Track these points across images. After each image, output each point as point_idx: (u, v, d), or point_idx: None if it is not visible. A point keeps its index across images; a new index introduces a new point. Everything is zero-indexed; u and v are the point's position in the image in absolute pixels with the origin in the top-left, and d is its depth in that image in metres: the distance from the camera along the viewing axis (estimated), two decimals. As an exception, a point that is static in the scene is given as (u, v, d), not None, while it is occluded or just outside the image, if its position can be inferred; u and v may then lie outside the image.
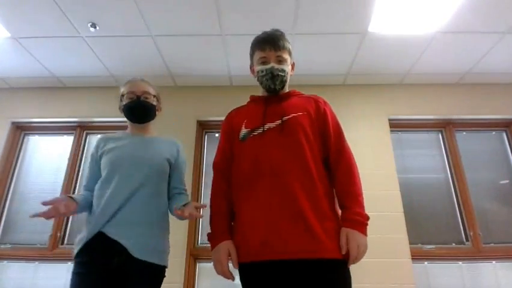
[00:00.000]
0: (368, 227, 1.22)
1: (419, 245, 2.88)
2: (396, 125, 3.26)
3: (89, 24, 2.59)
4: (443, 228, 2.98)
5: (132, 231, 1.41)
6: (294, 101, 1.41)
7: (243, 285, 1.26)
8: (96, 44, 2.84)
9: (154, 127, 1.75)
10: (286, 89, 1.48)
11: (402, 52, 2.93)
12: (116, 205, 1.43)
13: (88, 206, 1.51)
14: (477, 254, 2.84)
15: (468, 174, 3.11)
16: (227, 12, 2.49)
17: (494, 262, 2.83)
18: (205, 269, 2.92)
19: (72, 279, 1.38)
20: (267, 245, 1.17)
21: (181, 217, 1.45)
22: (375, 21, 2.57)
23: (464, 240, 2.93)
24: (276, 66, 1.40)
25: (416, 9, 2.44)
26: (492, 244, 2.89)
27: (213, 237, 1.38)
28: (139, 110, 1.64)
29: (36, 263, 2.89)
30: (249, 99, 1.56)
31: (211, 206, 1.44)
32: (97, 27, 2.62)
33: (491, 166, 3.19)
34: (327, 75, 3.25)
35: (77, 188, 3.16)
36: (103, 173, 1.52)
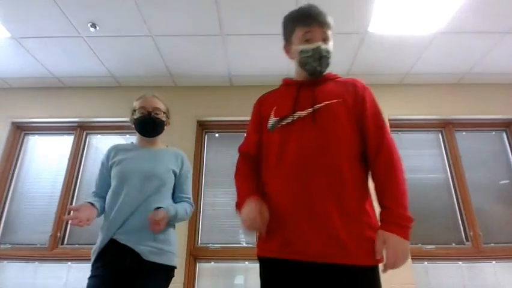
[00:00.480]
0: (410, 230, 1.07)
1: (419, 245, 2.88)
2: (396, 125, 3.26)
3: (89, 24, 2.59)
4: (443, 228, 2.98)
5: (140, 237, 1.54)
6: (329, 86, 1.24)
7: (261, 280, 1.17)
8: (96, 44, 2.84)
9: (162, 140, 1.87)
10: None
11: (402, 52, 2.93)
12: (125, 215, 1.58)
13: (102, 212, 1.67)
14: (477, 254, 2.84)
15: (468, 174, 3.11)
16: (227, 12, 2.49)
17: (494, 262, 2.83)
18: (205, 269, 2.92)
19: (88, 284, 1.51)
20: (288, 245, 1.09)
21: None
22: (375, 21, 2.57)
23: (464, 240, 2.93)
24: (324, 46, 1.23)
25: (416, 10, 2.44)
26: (492, 244, 2.89)
27: (241, 198, 1.21)
28: (149, 126, 1.76)
29: (36, 263, 2.89)
30: (281, 82, 1.39)
31: (235, 184, 1.30)
32: (97, 27, 2.62)
33: (491, 166, 3.19)
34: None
35: (77, 187, 3.16)
36: (113, 184, 1.67)
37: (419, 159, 3.23)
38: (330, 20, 1.27)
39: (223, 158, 3.26)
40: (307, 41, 1.24)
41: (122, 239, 1.55)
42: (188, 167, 1.85)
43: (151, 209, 1.58)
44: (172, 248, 1.65)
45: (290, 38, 1.32)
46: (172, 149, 1.85)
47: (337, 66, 3.46)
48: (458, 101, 3.28)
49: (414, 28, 2.64)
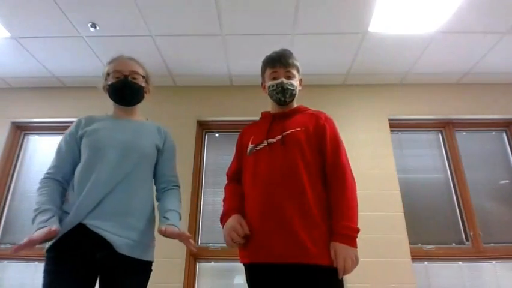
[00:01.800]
0: (357, 239, 1.24)
1: (419, 245, 2.88)
2: (396, 125, 3.26)
3: (89, 24, 2.59)
4: (443, 228, 2.98)
5: (117, 224, 1.29)
6: (297, 118, 1.49)
7: (247, 284, 1.37)
8: (96, 44, 2.84)
9: (141, 111, 1.64)
10: (294, 104, 1.57)
11: (402, 52, 2.93)
12: (100, 194, 1.31)
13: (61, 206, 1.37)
14: (477, 254, 2.84)
15: (468, 174, 3.11)
16: (227, 12, 2.49)
17: (494, 262, 2.83)
18: (205, 269, 2.92)
19: (45, 278, 1.23)
20: (259, 249, 1.28)
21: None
22: (375, 21, 2.57)
23: (464, 240, 2.93)
24: (286, 80, 1.50)
25: (416, 9, 2.44)
26: (492, 244, 2.89)
27: (224, 215, 1.44)
28: (126, 91, 1.51)
29: (36, 263, 2.88)
30: (260, 116, 1.66)
31: (223, 199, 1.55)
32: (97, 27, 2.62)
33: (491, 166, 3.19)
34: (327, 75, 3.25)
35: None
36: (84, 157, 1.39)
37: (419, 159, 3.23)
38: (294, 61, 1.54)
39: (223, 158, 3.26)
40: (273, 78, 1.52)
41: (93, 224, 1.27)
42: (173, 143, 1.62)
43: (132, 190, 1.36)
44: (152, 242, 1.44)
45: (263, 77, 1.62)
46: (154, 123, 1.62)
47: (337, 66, 3.48)
48: (458, 101, 3.28)
49: (414, 28, 2.64)
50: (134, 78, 1.53)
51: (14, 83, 3.38)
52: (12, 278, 2.86)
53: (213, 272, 2.93)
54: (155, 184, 1.55)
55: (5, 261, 2.91)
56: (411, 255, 2.75)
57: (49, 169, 1.42)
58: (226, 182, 1.60)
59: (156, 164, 1.53)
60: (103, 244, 1.25)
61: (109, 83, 1.51)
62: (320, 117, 1.48)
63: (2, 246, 2.98)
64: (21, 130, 3.39)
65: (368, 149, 3.07)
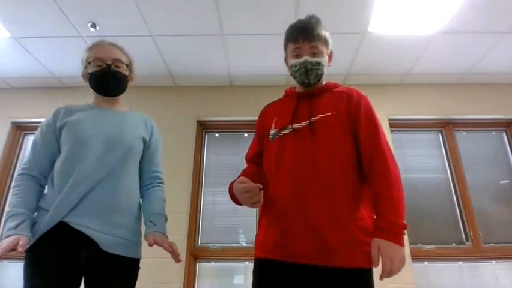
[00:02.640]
0: (404, 236, 1.11)
1: (419, 245, 2.88)
2: (396, 125, 3.26)
3: (89, 24, 2.59)
4: (443, 228, 2.98)
5: (102, 221, 1.21)
6: (325, 99, 1.30)
7: (254, 279, 1.21)
8: (96, 44, 2.84)
9: (125, 100, 1.53)
10: (323, 82, 1.37)
11: (402, 52, 2.93)
12: (83, 190, 1.22)
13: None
14: (477, 254, 2.84)
15: (468, 174, 3.11)
16: (227, 12, 2.49)
17: (494, 262, 2.83)
18: (205, 269, 2.92)
19: (26, 281, 1.15)
20: (281, 247, 1.15)
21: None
22: (375, 21, 2.57)
23: (464, 240, 2.93)
24: (310, 59, 1.29)
25: (416, 10, 2.44)
26: (492, 244, 2.89)
27: (232, 183, 1.29)
28: (110, 82, 1.40)
29: (36, 263, 2.88)
30: (284, 92, 1.46)
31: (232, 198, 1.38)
32: (97, 27, 2.62)
33: (491, 166, 3.19)
34: (327, 75, 3.23)
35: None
36: (65, 149, 1.28)
37: (419, 159, 3.23)
38: (321, 33, 1.32)
39: (223, 158, 3.26)
40: (296, 56, 1.32)
41: (76, 222, 1.18)
42: (159, 136, 1.53)
43: (117, 185, 1.27)
44: (140, 239, 1.34)
45: (286, 52, 1.42)
46: (140, 113, 1.53)
47: (337, 66, 3.48)
48: (458, 101, 3.28)
49: (414, 28, 2.64)
50: (118, 67, 1.41)
51: (14, 83, 3.38)
52: (12, 278, 2.86)
53: (212, 272, 2.93)
54: (139, 179, 1.44)
55: (5, 261, 2.91)
56: (411, 255, 2.75)
57: (24, 164, 1.30)
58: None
59: (141, 157, 1.43)
60: (87, 243, 1.18)
61: (90, 71, 1.40)
62: (351, 95, 1.29)
63: (2, 246, 2.98)
64: (21, 130, 3.39)
65: (368, 149, 3.07)
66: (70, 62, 3.06)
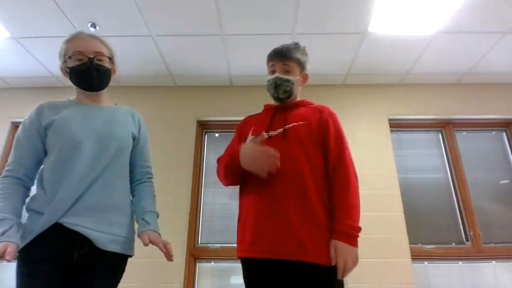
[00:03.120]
0: (358, 238, 1.23)
1: (419, 245, 2.88)
2: (396, 125, 3.26)
3: (89, 24, 2.59)
4: (443, 228, 2.98)
5: (97, 220, 1.20)
6: (300, 111, 1.45)
7: (244, 279, 1.33)
8: (96, 44, 2.84)
9: (107, 95, 1.47)
10: (297, 98, 1.52)
11: (402, 52, 2.93)
12: (78, 190, 1.20)
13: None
14: (477, 254, 2.85)
15: (468, 174, 3.11)
16: (227, 12, 2.49)
17: (494, 262, 2.83)
18: (205, 269, 2.92)
19: (18, 281, 1.17)
20: (256, 244, 1.25)
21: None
22: (375, 21, 2.57)
23: (464, 240, 2.93)
24: (281, 76, 1.44)
25: (416, 10, 2.44)
26: (492, 244, 2.89)
27: (232, 152, 1.38)
28: (93, 77, 1.33)
29: (36, 263, 2.88)
30: (263, 108, 1.60)
31: (221, 169, 1.50)
32: (97, 27, 2.62)
33: (491, 166, 3.19)
34: (327, 75, 3.25)
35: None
36: (55, 150, 1.24)
37: (419, 159, 3.23)
38: (296, 55, 1.46)
39: (223, 158, 3.26)
40: (271, 72, 1.47)
41: (72, 222, 1.16)
42: (145, 128, 1.51)
43: (111, 184, 1.26)
44: (132, 235, 1.34)
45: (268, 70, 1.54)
46: (125, 108, 1.49)
47: (337, 66, 3.48)
48: (458, 101, 3.28)
49: (414, 28, 2.64)
50: (100, 60, 1.34)
51: (14, 83, 3.38)
52: (12, 278, 2.85)
53: (212, 272, 2.93)
54: (130, 174, 1.41)
55: (5, 261, 2.91)
56: (411, 255, 2.75)
57: (8, 165, 1.25)
58: (218, 166, 1.54)
59: (131, 151, 1.40)
60: (81, 242, 1.17)
61: (70, 66, 1.33)
62: (323, 111, 1.43)
63: (2, 246, 2.98)
64: (21, 130, 3.39)
65: (368, 149, 3.07)
66: (70, 62, 3.06)
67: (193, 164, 3.11)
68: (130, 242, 1.32)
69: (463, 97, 3.30)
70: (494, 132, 3.34)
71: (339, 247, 1.19)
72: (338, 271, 1.18)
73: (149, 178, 1.49)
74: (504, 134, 3.32)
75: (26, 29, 2.65)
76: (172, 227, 2.83)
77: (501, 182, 3.16)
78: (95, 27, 2.62)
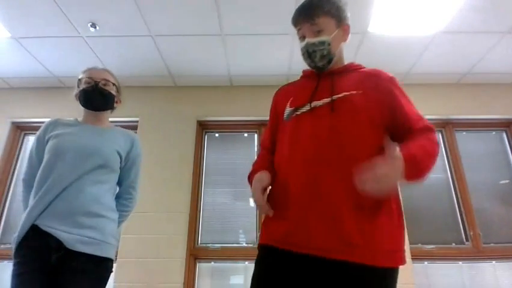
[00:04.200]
0: (420, 167, 1.02)
1: (419, 245, 2.88)
2: (396, 125, 3.26)
3: (89, 24, 2.59)
4: (443, 228, 2.98)
5: (66, 222, 1.32)
6: (350, 77, 1.19)
7: (258, 266, 1.08)
8: (96, 44, 2.84)
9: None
10: (342, 60, 1.28)
11: (402, 52, 2.93)
12: (52, 195, 1.35)
13: None
14: (477, 254, 2.84)
15: (468, 174, 3.11)
16: (227, 12, 2.49)
17: (494, 262, 2.83)
18: (205, 269, 2.92)
19: (12, 282, 1.28)
20: (292, 235, 1.01)
21: None
22: (375, 22, 2.57)
23: (464, 240, 2.93)
24: (311, 40, 1.17)
25: (416, 10, 2.44)
26: (492, 244, 2.89)
27: (252, 172, 1.21)
28: (96, 97, 1.53)
29: (36, 263, 2.89)
30: (302, 73, 1.33)
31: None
32: (97, 27, 2.62)
33: (491, 166, 3.19)
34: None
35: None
36: (44, 160, 1.44)
37: (419, 159, 3.23)
38: (323, 6, 1.19)
39: (223, 158, 3.26)
40: (301, 38, 1.21)
41: (44, 224, 1.31)
42: (139, 152, 1.62)
43: (81, 190, 1.37)
44: (107, 238, 1.40)
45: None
46: (122, 130, 1.63)
47: (337, 66, 3.40)
48: (458, 101, 3.28)
49: (414, 28, 2.64)
50: (105, 85, 1.56)
51: (14, 83, 3.38)
52: (12, 278, 2.86)
53: (212, 272, 2.93)
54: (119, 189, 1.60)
55: (5, 261, 2.91)
56: (411, 255, 2.75)
57: (24, 173, 1.51)
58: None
59: (120, 170, 1.55)
60: (56, 245, 1.30)
61: (80, 88, 1.55)
62: (380, 77, 1.18)
63: (2, 246, 2.98)
64: (21, 130, 3.39)
65: (368, 149, 3.07)
66: (70, 62, 3.06)
67: (193, 164, 3.10)
68: (104, 244, 1.38)
69: (463, 97, 3.30)
70: (494, 132, 3.34)
71: (393, 159, 0.93)
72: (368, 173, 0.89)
73: (128, 198, 1.60)
74: (504, 134, 3.32)
75: (26, 29, 2.65)
76: (172, 227, 2.83)
77: (501, 182, 3.16)
78: (95, 27, 2.62)
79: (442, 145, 3.28)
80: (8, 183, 3.19)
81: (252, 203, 1.20)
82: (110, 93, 1.57)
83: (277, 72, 3.14)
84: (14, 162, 3.27)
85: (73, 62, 3.06)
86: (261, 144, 1.35)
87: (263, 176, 1.09)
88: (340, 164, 1.03)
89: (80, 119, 1.60)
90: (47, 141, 1.48)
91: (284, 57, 2.94)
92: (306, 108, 1.13)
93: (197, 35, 2.73)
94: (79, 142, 1.45)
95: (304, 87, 1.20)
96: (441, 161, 3.22)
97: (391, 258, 1.01)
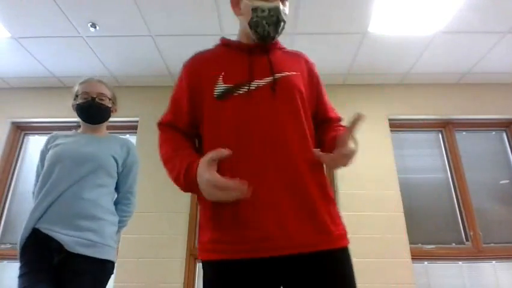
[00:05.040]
0: None
1: (419, 245, 2.88)
2: (396, 125, 3.26)
3: (89, 24, 2.59)
4: (443, 228, 2.98)
5: (65, 225, 1.38)
6: (281, 56, 1.11)
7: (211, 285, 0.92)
8: (96, 44, 2.84)
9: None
10: None
11: (402, 52, 2.93)
12: (50, 199, 1.42)
13: None
14: (477, 254, 2.84)
15: (468, 174, 3.11)
16: (227, 12, 2.49)
17: (494, 262, 2.83)
18: (205, 269, 2.91)
19: (19, 282, 1.33)
20: (268, 240, 0.87)
21: None
22: (375, 22, 2.57)
23: (464, 240, 2.93)
24: (282, 7, 1.04)
25: (416, 10, 2.44)
26: (492, 244, 2.89)
27: (187, 171, 0.92)
28: (93, 111, 1.63)
29: (36, 263, 2.89)
30: (219, 42, 1.21)
31: (162, 159, 1.06)
32: (97, 27, 2.62)
33: (491, 166, 3.19)
34: (327, 75, 3.23)
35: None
36: (45, 167, 1.53)
37: (419, 159, 3.23)
38: None
39: (223, 158, 3.25)
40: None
41: (44, 227, 1.38)
42: (135, 158, 1.68)
43: (79, 193, 1.43)
44: (107, 241, 1.45)
45: None
46: (119, 137, 1.71)
47: (337, 66, 3.48)
48: (458, 101, 3.28)
49: (414, 28, 2.64)
50: (101, 100, 1.64)
51: (14, 83, 3.38)
52: (12, 278, 2.86)
53: (213, 272, 2.92)
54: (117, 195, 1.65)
55: (5, 261, 2.91)
56: (411, 255, 2.75)
57: (33, 186, 1.57)
58: (161, 132, 1.11)
59: (117, 176, 1.61)
60: (57, 247, 1.35)
61: (77, 103, 1.63)
62: (307, 60, 1.16)
63: (2, 246, 2.98)
64: (21, 130, 3.39)
65: (368, 149, 3.06)
66: (70, 62, 3.06)
67: (193, 164, 3.10)
68: (103, 247, 1.42)
69: (463, 97, 3.30)
70: (494, 132, 3.34)
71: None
72: (348, 153, 0.93)
73: (126, 204, 1.65)
74: (504, 134, 3.32)
75: (26, 29, 2.65)
76: (172, 227, 2.83)
77: (501, 182, 3.16)
78: (95, 27, 2.62)
79: (442, 145, 3.28)
80: (8, 183, 3.19)
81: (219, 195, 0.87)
82: (107, 107, 1.66)
83: (277, 72, 3.15)
84: (14, 162, 3.27)
85: (73, 62, 3.06)
86: (165, 121, 1.10)
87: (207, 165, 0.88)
88: (300, 147, 0.96)
89: (79, 130, 1.70)
90: (48, 152, 1.58)
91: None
92: (247, 87, 0.98)
93: (197, 35, 2.73)
94: (76, 149, 1.54)
95: (237, 62, 1.05)
96: (441, 161, 3.22)
97: (346, 239, 0.97)
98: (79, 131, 1.69)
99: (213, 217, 0.93)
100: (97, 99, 1.62)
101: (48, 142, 1.63)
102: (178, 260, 2.74)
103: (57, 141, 1.59)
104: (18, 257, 1.38)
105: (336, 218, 0.96)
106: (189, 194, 2.98)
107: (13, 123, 3.33)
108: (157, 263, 2.68)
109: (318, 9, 2.47)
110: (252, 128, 0.95)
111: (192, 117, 1.05)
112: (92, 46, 2.85)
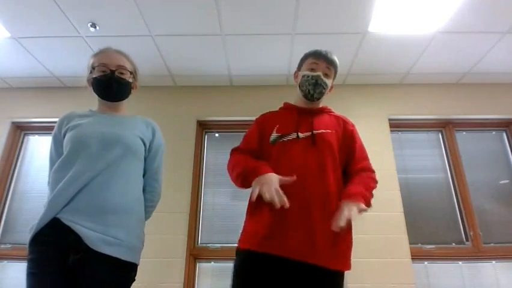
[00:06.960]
0: (369, 200, 1.31)
1: (419, 245, 2.88)
2: (396, 125, 3.26)
3: (89, 24, 2.59)
4: (443, 228, 2.98)
5: (92, 219, 1.20)
6: (325, 118, 1.48)
7: (236, 269, 1.36)
8: (96, 44, 2.83)
9: (127, 105, 1.53)
10: (320, 104, 1.55)
11: (402, 52, 2.93)
12: (77, 187, 1.22)
13: None
14: (477, 254, 2.84)
15: (468, 174, 3.11)
16: (227, 12, 2.49)
17: (494, 262, 2.83)
18: (205, 269, 2.92)
19: (27, 281, 1.17)
20: (270, 238, 1.24)
21: None
22: (375, 21, 2.57)
23: (464, 240, 2.92)
24: (323, 77, 1.45)
25: (416, 9, 2.44)
26: (492, 244, 2.89)
27: (260, 165, 1.32)
28: (113, 87, 1.42)
29: (36, 263, 2.88)
30: (282, 106, 1.60)
31: (235, 170, 1.41)
32: (97, 27, 2.62)
33: (491, 166, 3.19)
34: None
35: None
36: (66, 151, 1.31)
37: (419, 159, 3.23)
38: (336, 64, 1.49)
39: (223, 158, 3.23)
40: (312, 69, 1.47)
41: (67, 218, 1.19)
42: (161, 140, 1.52)
43: (111, 183, 1.26)
44: (133, 241, 1.28)
45: (301, 65, 1.54)
46: (143, 117, 1.52)
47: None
48: (458, 101, 3.28)
49: (414, 28, 2.64)
50: (121, 73, 1.44)
51: (14, 83, 3.38)
52: (12, 278, 2.86)
53: (212, 272, 2.93)
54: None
55: (5, 261, 2.91)
56: (411, 255, 2.75)
57: (49, 176, 1.36)
58: (233, 154, 1.51)
59: (145, 160, 1.44)
60: (75, 245, 1.17)
61: (94, 76, 1.43)
62: (347, 122, 1.52)
63: (2, 246, 2.98)
64: (21, 130, 3.39)
65: (368, 149, 3.05)
66: (70, 62, 3.06)
67: (193, 164, 3.10)
68: (129, 246, 1.26)
69: (463, 97, 3.30)
70: (494, 132, 3.34)
71: (348, 204, 1.21)
72: (340, 218, 1.17)
73: (150, 191, 1.47)
74: (504, 134, 3.32)
75: (26, 29, 2.65)
76: (172, 227, 2.83)
77: (501, 182, 3.16)
78: (95, 27, 2.62)
79: (442, 145, 3.28)
80: (8, 183, 3.19)
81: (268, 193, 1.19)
82: (128, 82, 1.46)
83: (277, 72, 3.15)
84: (14, 162, 3.27)
85: (73, 62, 3.06)
86: (242, 147, 1.49)
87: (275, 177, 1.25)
88: (320, 185, 1.30)
89: (94, 109, 1.49)
90: (64, 135, 1.36)
91: (284, 57, 2.94)
92: (293, 136, 1.39)
93: (197, 34, 2.73)
94: (100, 130, 1.34)
95: (287, 119, 1.46)
96: (441, 161, 3.22)
97: (345, 264, 1.28)
98: (95, 109, 1.48)
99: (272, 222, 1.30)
100: (116, 72, 1.42)
101: (61, 124, 1.40)
102: (178, 260, 2.74)
103: (75, 122, 1.38)
104: (27, 245, 1.21)
105: (333, 243, 1.24)
106: (189, 194, 3.00)
107: (13, 123, 3.33)
108: (157, 263, 2.67)
109: (318, 9, 2.47)
110: (288, 166, 1.32)
111: (259, 146, 1.45)
112: (92, 46, 2.85)
